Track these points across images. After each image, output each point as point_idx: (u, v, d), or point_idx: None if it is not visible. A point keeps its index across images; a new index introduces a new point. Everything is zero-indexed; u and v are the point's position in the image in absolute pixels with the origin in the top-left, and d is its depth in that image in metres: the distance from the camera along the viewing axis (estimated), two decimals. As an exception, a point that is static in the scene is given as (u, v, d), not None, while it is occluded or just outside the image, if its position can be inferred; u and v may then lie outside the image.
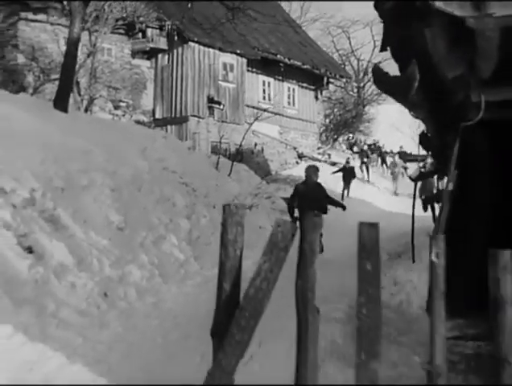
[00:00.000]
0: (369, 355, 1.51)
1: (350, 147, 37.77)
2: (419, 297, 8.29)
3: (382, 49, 3.81)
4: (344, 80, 36.54)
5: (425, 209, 17.42)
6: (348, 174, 24.11)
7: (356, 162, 30.32)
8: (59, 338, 6.57)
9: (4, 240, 8.06)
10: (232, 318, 1.50)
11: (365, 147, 36.90)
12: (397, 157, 33.78)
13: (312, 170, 12.45)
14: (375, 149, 37.61)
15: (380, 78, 3.97)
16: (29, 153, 9.53)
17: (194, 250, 10.82)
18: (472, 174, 5.83)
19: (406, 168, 30.42)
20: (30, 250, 8.15)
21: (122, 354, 6.50)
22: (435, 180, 17.57)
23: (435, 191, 17.66)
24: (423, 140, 7.47)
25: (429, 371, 1.58)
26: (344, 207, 12.39)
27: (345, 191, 23.69)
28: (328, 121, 38.72)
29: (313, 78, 32.53)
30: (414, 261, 10.09)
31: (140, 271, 9.11)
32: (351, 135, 40.26)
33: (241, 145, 20.51)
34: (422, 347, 5.51)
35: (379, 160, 35.14)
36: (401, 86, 3.66)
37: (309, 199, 11.39)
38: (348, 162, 25.59)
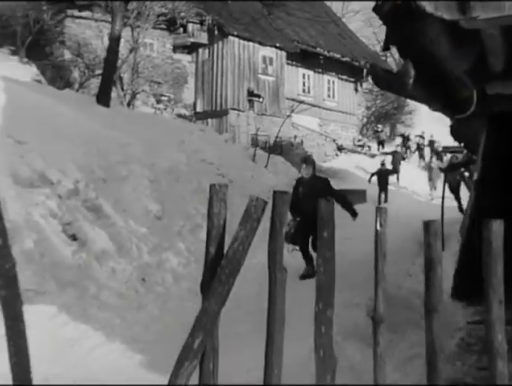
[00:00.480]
0: (325, 304, 1.86)
1: (379, 142, 33.70)
2: (445, 283, 8.50)
3: (385, 48, 4.07)
4: (384, 71, 36.20)
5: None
6: (384, 177, 21.61)
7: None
8: (99, 319, 6.99)
9: (51, 227, 8.64)
10: (215, 275, 1.90)
11: (419, 141, 33.57)
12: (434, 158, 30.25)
13: (304, 160, 10.04)
14: (423, 144, 33.77)
15: (377, 75, 4.23)
16: (73, 147, 10.08)
17: (229, 239, 11.18)
18: (497, 164, 6.03)
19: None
20: (74, 237, 8.71)
21: (158, 334, 6.85)
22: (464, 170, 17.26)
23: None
24: (453, 131, 7.62)
25: (373, 317, 1.92)
26: (355, 215, 9.46)
27: (382, 196, 21.17)
28: (369, 113, 38.62)
29: (353, 70, 32.54)
30: (443, 250, 10.22)
31: (177, 258, 9.53)
32: (379, 127, 35.74)
33: (277, 138, 20.76)
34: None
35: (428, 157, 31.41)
36: (396, 83, 3.93)
37: (307, 198, 8.82)
38: (383, 164, 23.02)
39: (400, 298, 7.44)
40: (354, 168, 26.01)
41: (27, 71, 21.23)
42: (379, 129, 34.78)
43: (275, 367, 2.02)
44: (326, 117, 30.96)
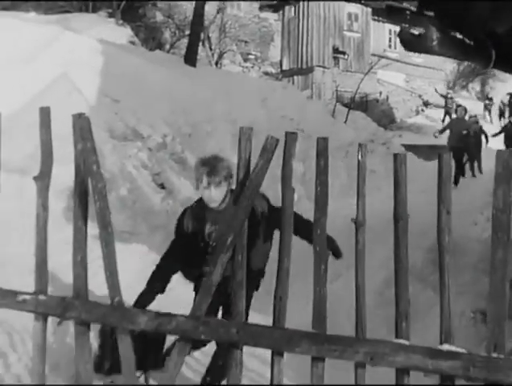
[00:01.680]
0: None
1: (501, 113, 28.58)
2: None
3: (419, 13, 4.51)
4: (477, 24, 35.05)
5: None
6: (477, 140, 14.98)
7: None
8: (184, 257, 7.87)
9: (142, 177, 9.64)
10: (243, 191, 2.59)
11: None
12: None
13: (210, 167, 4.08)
14: None
15: (405, 39, 4.69)
16: (161, 104, 11.01)
17: (306, 190, 11.79)
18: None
19: None
20: (162, 186, 9.67)
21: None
22: None
23: None
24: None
25: (355, 222, 2.52)
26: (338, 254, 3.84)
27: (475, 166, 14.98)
28: (460, 67, 37.53)
29: (442, 24, 31.71)
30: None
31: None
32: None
33: (356, 93, 20.99)
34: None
35: None
36: (421, 45, 4.39)
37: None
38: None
39: (461, 246, 7.89)
40: (440, 123, 25.76)
41: (122, 33, 22.25)
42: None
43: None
44: (412, 73, 30.56)
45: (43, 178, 2.91)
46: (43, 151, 2.93)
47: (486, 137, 15.92)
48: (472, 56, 5.12)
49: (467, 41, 4.79)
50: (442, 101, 28.55)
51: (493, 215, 2.25)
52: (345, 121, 17.50)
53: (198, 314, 2.60)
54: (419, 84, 30.66)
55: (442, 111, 27.21)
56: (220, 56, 23.19)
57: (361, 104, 22.76)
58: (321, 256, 2.50)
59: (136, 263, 7.16)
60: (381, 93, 27.30)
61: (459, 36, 4.66)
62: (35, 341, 2.85)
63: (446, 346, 2.40)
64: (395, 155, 2.54)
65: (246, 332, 2.55)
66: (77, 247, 2.80)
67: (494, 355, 2.31)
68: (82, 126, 2.76)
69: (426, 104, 28.89)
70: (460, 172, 13.28)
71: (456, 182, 12.71)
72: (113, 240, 2.78)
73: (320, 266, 2.50)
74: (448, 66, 33.10)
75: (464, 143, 13.31)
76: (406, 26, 30.15)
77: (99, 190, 2.74)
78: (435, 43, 4.26)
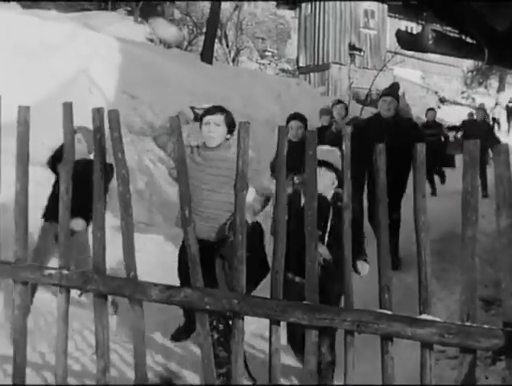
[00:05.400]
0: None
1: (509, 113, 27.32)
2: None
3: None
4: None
5: None
6: None
7: None
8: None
9: (159, 171, 9.98)
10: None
11: None
12: None
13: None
14: None
15: (402, 37, 4.93)
16: (178, 100, 11.33)
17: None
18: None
19: None
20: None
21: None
22: None
23: None
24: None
25: (341, 206, 2.82)
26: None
27: None
28: (477, 63, 37.40)
29: (459, 21, 31.66)
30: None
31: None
32: None
33: (370, 90, 21.14)
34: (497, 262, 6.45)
35: None
36: (417, 44, 4.63)
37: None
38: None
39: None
40: (456, 120, 25.79)
41: (141, 30, 22.63)
42: None
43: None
44: (429, 69, 30.61)
45: (67, 166, 3.24)
46: (66, 141, 3.26)
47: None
48: (468, 53, 5.34)
49: (463, 38, 5.03)
50: (458, 98, 28.57)
51: (463, 197, 2.54)
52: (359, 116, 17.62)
53: (198, 285, 2.93)
54: (436, 80, 30.70)
55: (458, 108, 27.19)
56: (237, 53, 23.47)
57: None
58: (312, 234, 2.80)
59: (152, 252, 7.51)
60: (396, 90, 27.28)
61: (455, 34, 4.90)
62: (59, 311, 3.18)
63: (424, 316, 2.68)
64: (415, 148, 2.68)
65: (247, 303, 2.85)
66: (96, 226, 3.13)
67: (467, 323, 2.58)
68: (111, 118, 3.08)
69: (442, 100, 28.93)
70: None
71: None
72: (132, 221, 3.09)
73: (311, 243, 2.80)
74: (466, 62, 33.06)
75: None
76: (423, 23, 30.20)
77: (122, 175, 3.07)
78: (431, 41, 4.50)
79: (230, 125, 4.27)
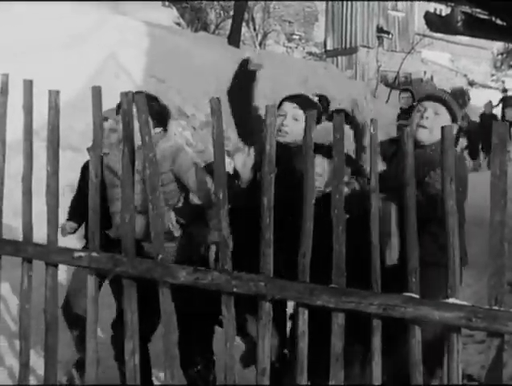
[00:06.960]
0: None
1: None
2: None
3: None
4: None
5: None
6: None
7: None
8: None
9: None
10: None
11: None
12: None
13: None
14: None
15: (431, 20, 4.84)
16: (205, 84, 11.37)
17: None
18: None
19: None
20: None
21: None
22: None
23: None
24: None
25: (369, 189, 2.82)
26: None
27: None
28: (507, 45, 36.76)
29: (491, 2, 31.11)
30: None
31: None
32: None
33: (398, 72, 20.97)
34: None
35: None
36: (446, 26, 4.56)
37: None
38: None
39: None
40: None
41: (168, 14, 22.65)
42: None
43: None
44: (458, 52, 30.14)
45: (95, 149, 3.28)
46: (95, 124, 3.29)
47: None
48: (498, 35, 5.25)
49: (493, 20, 4.94)
50: (488, 81, 28.15)
51: (491, 181, 2.51)
52: (387, 101, 17.56)
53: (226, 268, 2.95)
54: (465, 63, 30.23)
55: (488, 91, 26.77)
56: (264, 37, 23.39)
57: (405, 84, 22.54)
58: (339, 218, 2.80)
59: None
60: (425, 73, 27.05)
61: (485, 16, 4.82)
62: (89, 292, 3.24)
63: (451, 300, 2.67)
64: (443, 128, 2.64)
65: (273, 285, 2.86)
66: (125, 208, 3.17)
67: (495, 307, 2.57)
68: (138, 100, 3.11)
69: (471, 83, 28.51)
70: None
71: None
72: (160, 203, 3.13)
73: (339, 227, 2.80)
74: (495, 44, 32.51)
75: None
76: (452, 4, 29.74)
77: (150, 158, 3.09)
78: (460, 23, 4.44)
79: None
